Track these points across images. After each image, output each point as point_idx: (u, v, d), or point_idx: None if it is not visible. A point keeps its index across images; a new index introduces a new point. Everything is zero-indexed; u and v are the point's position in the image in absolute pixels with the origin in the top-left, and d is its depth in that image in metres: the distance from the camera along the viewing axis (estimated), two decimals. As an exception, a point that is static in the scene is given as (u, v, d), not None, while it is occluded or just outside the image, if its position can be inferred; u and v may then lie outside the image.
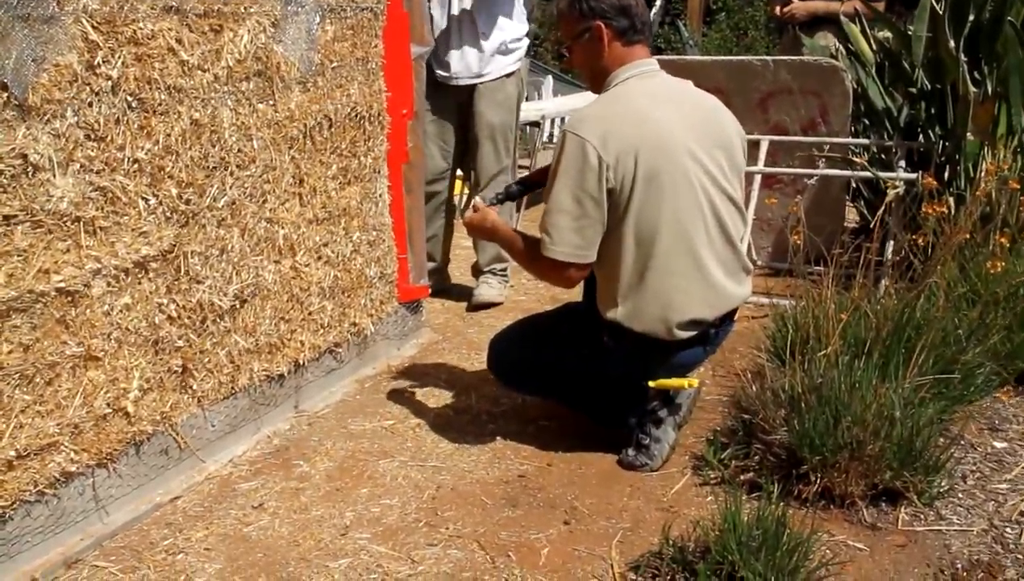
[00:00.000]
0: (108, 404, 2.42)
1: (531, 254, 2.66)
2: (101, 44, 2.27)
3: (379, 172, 3.38)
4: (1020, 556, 2.25)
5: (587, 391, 2.86)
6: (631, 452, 2.76)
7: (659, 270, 2.54)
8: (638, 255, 2.54)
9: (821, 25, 5.27)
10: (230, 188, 2.71)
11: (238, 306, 2.81)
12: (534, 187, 3.07)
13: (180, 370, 2.64)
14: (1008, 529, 2.36)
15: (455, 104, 4.22)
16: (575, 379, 2.83)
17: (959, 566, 2.22)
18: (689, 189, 2.53)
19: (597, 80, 2.68)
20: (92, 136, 2.29)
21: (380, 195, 3.40)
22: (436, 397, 3.31)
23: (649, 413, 2.77)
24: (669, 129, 2.53)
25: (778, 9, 5.41)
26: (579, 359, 2.76)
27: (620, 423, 2.83)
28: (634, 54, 2.63)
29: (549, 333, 2.91)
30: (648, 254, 2.53)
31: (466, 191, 6.55)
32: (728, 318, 2.74)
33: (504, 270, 4.37)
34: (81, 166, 2.27)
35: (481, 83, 4.13)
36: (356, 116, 3.21)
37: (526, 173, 3.61)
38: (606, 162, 2.45)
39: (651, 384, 2.70)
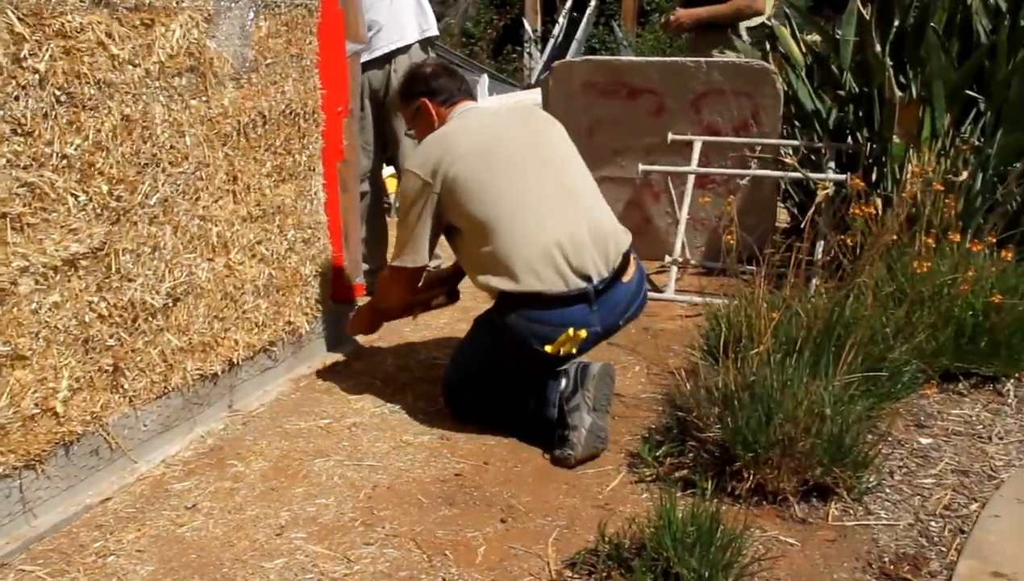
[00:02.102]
0: (36, 404, 2.37)
1: (383, 285, 3.29)
2: (28, 37, 2.22)
3: (314, 170, 3.37)
4: (944, 549, 2.30)
5: (516, 401, 2.95)
6: (556, 450, 2.79)
7: (502, 235, 2.82)
8: (479, 233, 2.85)
9: (707, 31, 5.33)
10: (162, 185, 2.67)
11: (171, 304, 2.77)
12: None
13: (111, 369, 2.60)
14: (933, 523, 2.41)
15: (371, 102, 4.22)
16: (502, 384, 2.97)
17: (886, 559, 2.26)
18: (506, 167, 2.88)
19: None
20: (19, 131, 2.24)
21: (315, 193, 3.39)
22: (372, 396, 3.30)
23: (563, 403, 2.81)
24: (474, 133, 2.97)
25: (665, 21, 5.48)
26: (495, 357, 2.97)
27: (547, 425, 2.87)
28: (456, 107, 3.12)
29: (478, 351, 3.06)
30: (486, 227, 2.84)
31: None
32: (615, 278, 2.90)
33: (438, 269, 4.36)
34: (7, 161, 2.22)
35: (403, 46, 4.15)
36: (291, 113, 3.20)
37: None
38: (427, 181, 2.90)
39: (547, 349, 2.80)
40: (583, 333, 2.81)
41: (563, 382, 2.83)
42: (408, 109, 3.20)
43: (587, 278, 2.82)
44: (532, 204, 2.85)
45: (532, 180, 2.89)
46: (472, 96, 3.22)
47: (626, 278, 2.93)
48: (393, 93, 3.21)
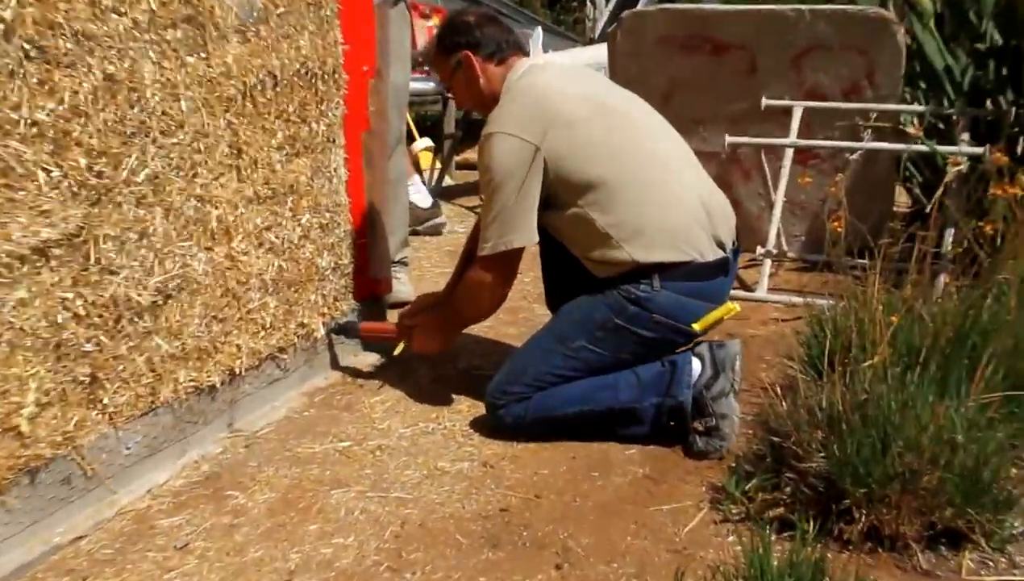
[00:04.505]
0: (-3, 422, 2.40)
1: (470, 291, 3.22)
2: (-11, -22, 2.24)
3: (334, 141, 3.41)
4: (1107, 612, 2.25)
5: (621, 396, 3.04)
6: (699, 440, 2.95)
7: (640, 198, 2.96)
8: (602, 198, 2.97)
9: None
10: (152, 159, 2.68)
11: (161, 302, 2.79)
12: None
13: (88, 380, 2.61)
14: (1094, 579, 2.37)
15: None
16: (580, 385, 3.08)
17: (1035, 624, 2.21)
18: (622, 120, 3.09)
19: (487, 103, 3.23)
20: (-22, 93, 2.26)
21: (335, 169, 3.42)
22: (401, 413, 3.31)
23: (702, 391, 2.95)
24: (573, 84, 3.14)
25: None
26: (605, 350, 3.05)
27: (663, 417, 3.00)
28: (511, 65, 3.23)
29: (561, 350, 3.12)
30: (614, 190, 2.96)
31: (437, 166, 6.54)
32: (736, 243, 3.16)
33: (406, 258, 4.43)
34: (-35, 130, 2.24)
35: None
36: (306, 73, 3.22)
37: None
38: (530, 141, 2.97)
39: (696, 326, 2.99)
40: (737, 307, 3.05)
41: (697, 366, 2.98)
42: (447, 64, 3.26)
43: (721, 245, 3.05)
44: (664, 162, 3.05)
45: (653, 136, 3.11)
46: (523, 50, 3.31)
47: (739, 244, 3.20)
48: (427, 47, 3.29)
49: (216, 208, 2.93)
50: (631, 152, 3.00)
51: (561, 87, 3.10)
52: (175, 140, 2.75)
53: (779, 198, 4.49)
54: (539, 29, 8.96)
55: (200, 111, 2.83)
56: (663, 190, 2.98)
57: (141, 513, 2.71)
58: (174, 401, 2.90)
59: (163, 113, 2.70)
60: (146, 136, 2.66)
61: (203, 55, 2.81)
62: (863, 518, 2.42)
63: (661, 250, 2.93)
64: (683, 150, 3.17)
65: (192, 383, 2.94)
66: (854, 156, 4.49)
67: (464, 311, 3.32)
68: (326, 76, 3.31)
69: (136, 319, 2.71)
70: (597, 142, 2.99)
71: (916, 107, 4.55)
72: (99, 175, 2.53)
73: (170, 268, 2.79)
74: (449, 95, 3.38)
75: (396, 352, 3.56)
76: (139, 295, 2.70)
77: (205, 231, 2.90)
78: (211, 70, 2.84)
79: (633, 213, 2.94)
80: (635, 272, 2.96)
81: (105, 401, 2.66)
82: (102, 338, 2.61)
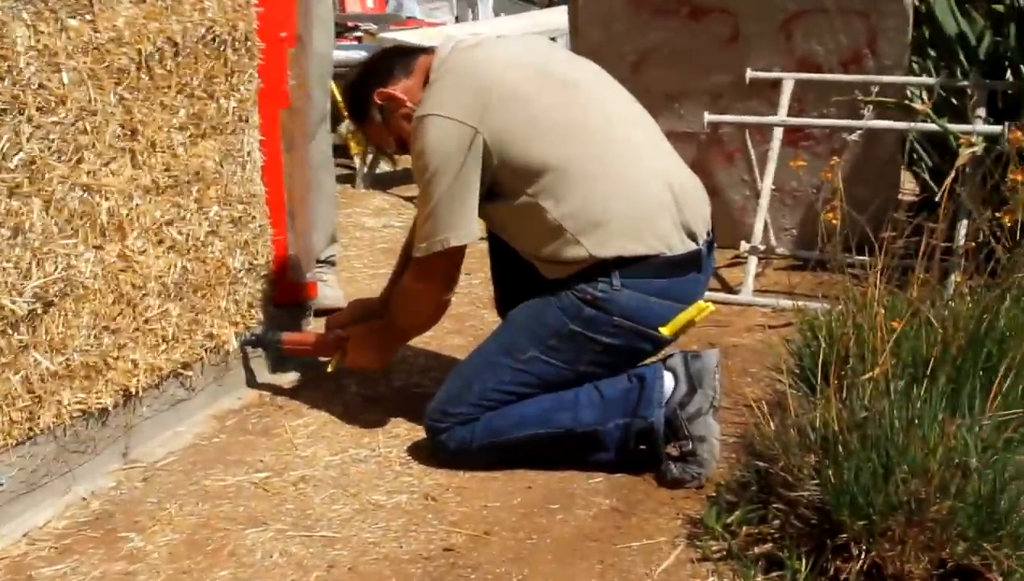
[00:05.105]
0: None
1: (405, 299, 3.31)
2: None
3: (247, 120, 3.40)
4: None
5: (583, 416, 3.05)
6: (674, 467, 2.97)
7: (597, 181, 2.98)
8: (553, 185, 2.98)
9: None
10: (27, 140, 2.65)
11: (40, 311, 2.75)
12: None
13: (-48, 404, 2.59)
14: None
15: None
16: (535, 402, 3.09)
17: (1062, 676, 2.22)
18: (573, 88, 3.12)
19: None
20: None
21: (248, 153, 3.42)
22: (328, 438, 3.31)
23: (676, 410, 2.96)
24: (518, 58, 3.17)
25: None
26: (555, 361, 3.06)
27: (631, 440, 3.01)
28: (423, 65, 3.25)
29: (508, 362, 3.12)
30: (568, 174, 2.98)
31: (371, 150, 6.51)
32: (711, 234, 3.19)
33: (333, 257, 4.47)
34: None
35: None
36: (214, 40, 3.21)
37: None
38: (468, 124, 2.99)
39: (664, 331, 3.00)
40: (711, 307, 3.06)
41: (669, 381, 3.00)
42: (373, 120, 3.31)
43: (693, 236, 3.06)
44: (626, 141, 3.08)
45: (612, 110, 3.15)
46: (427, 49, 3.36)
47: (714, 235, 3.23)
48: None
49: (106, 199, 2.90)
50: (586, 130, 3.02)
51: (501, 58, 3.15)
52: (55, 118, 2.72)
53: (766, 186, 4.51)
54: (489, -12, 8.98)
55: (85, 84, 2.79)
56: (624, 173, 3.00)
57: (16, 561, 2.68)
58: (57, 427, 2.86)
59: (40, 86, 2.67)
60: (20, 113, 2.62)
61: (88, 17, 2.78)
62: (862, 555, 2.41)
63: (621, 242, 2.94)
64: (649, 127, 3.20)
65: (79, 406, 2.91)
66: (853, 136, 4.49)
67: (401, 321, 3.35)
68: (237, 43, 3.29)
69: (10, 331, 2.68)
70: (546, 119, 3.00)
71: (925, 79, 4.57)
72: (-37, 161, 2.51)
73: (51, 270, 2.76)
74: (405, 154, 3.39)
75: (330, 369, 3.56)
76: (13, 302, 2.66)
77: (93, 226, 2.87)
78: (98, 35, 2.81)
79: (590, 201, 2.95)
80: (592, 269, 2.97)
81: (-28, 428, 2.64)
82: (-32, 353, 2.59)
